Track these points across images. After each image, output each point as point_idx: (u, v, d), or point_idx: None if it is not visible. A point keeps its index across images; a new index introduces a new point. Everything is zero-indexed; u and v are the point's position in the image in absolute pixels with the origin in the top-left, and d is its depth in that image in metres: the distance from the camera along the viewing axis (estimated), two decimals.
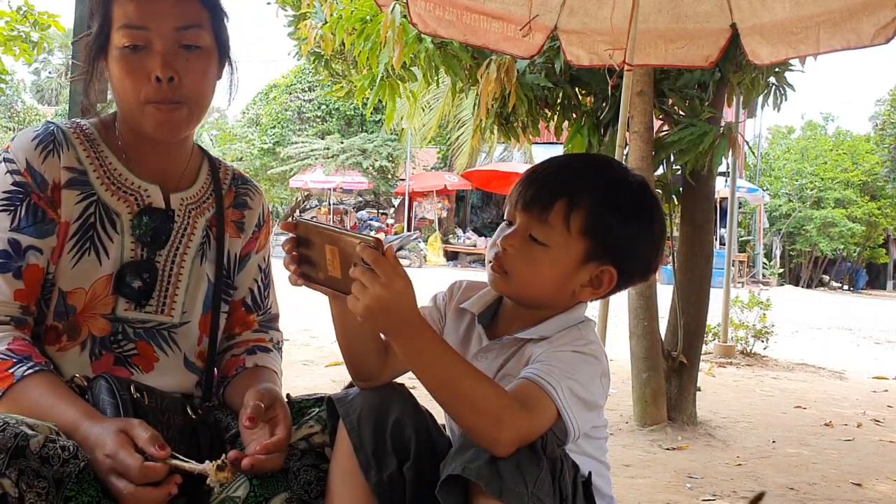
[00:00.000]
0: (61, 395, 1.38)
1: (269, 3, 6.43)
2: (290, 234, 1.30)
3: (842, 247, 25.39)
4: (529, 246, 1.39)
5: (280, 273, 1.49)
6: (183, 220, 1.62)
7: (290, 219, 1.30)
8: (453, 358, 1.26)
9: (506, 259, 1.40)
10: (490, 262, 1.42)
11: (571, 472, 1.29)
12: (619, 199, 1.40)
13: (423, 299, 1.40)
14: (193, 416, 1.51)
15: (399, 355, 1.27)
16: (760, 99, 4.89)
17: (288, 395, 1.56)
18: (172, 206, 1.61)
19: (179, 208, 1.62)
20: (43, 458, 1.20)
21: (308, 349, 6.50)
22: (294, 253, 1.30)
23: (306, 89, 27.84)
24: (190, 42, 1.50)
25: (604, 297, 1.45)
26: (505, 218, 1.45)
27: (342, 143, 25.99)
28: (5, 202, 1.48)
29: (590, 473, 1.36)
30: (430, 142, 22.71)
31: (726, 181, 9.84)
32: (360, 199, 27.40)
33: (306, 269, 1.30)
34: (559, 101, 4.76)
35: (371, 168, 25.45)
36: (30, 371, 1.40)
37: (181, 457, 1.28)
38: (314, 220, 1.32)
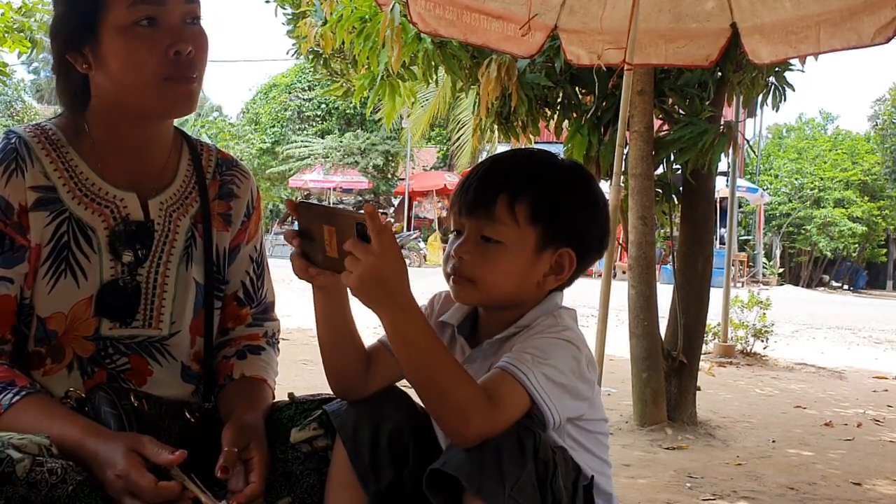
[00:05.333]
0: (56, 414, 1.34)
1: (267, 2, 6.42)
2: (291, 217, 1.33)
3: (842, 246, 25.38)
4: (484, 248, 1.38)
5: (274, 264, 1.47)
6: (164, 228, 1.53)
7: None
8: (436, 344, 1.26)
9: (465, 267, 1.39)
10: (450, 275, 1.41)
11: (571, 476, 1.28)
12: (555, 180, 1.42)
13: (422, 299, 1.39)
14: (192, 420, 1.48)
15: (385, 331, 1.27)
16: (760, 98, 4.89)
17: (291, 395, 1.54)
18: (151, 215, 1.52)
19: (159, 215, 1.53)
20: (30, 484, 1.16)
21: (308, 348, 6.49)
22: (296, 236, 1.30)
23: (306, 88, 27.85)
24: (194, 14, 1.46)
25: (569, 281, 1.45)
26: (452, 229, 1.44)
27: (341, 141, 26.01)
28: None
29: (592, 477, 1.35)
30: (429, 141, 22.72)
31: (726, 181, 9.84)
32: (360, 198, 27.43)
33: (308, 252, 1.30)
34: (559, 100, 4.75)
35: (370, 167, 25.45)
36: (17, 398, 1.35)
37: (197, 481, 1.26)
38: (316, 201, 1.31)
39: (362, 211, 1.22)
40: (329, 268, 1.27)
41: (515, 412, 1.25)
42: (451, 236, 1.44)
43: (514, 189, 1.38)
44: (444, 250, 1.48)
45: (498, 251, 1.38)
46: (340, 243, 1.22)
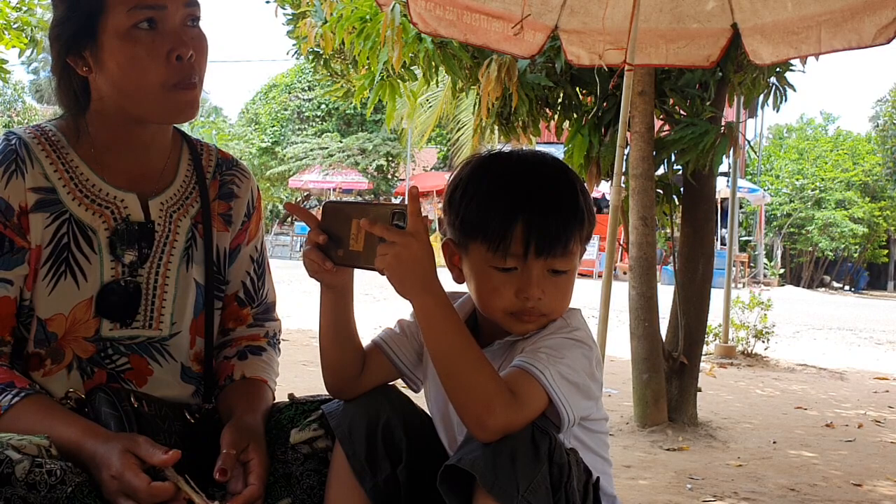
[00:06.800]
0: (56, 415, 1.34)
1: (267, 2, 6.42)
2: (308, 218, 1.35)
3: (843, 247, 25.37)
4: (554, 280, 1.37)
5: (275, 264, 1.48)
6: (164, 228, 1.52)
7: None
8: (463, 332, 1.27)
9: (542, 306, 1.37)
10: (520, 313, 1.36)
11: (583, 478, 1.28)
12: (585, 192, 1.43)
13: None
14: (192, 421, 1.48)
15: (416, 316, 1.29)
16: (761, 98, 4.88)
17: (291, 396, 1.55)
18: (152, 216, 1.51)
19: (160, 215, 1.52)
20: (29, 485, 1.16)
21: (308, 349, 6.49)
22: (319, 237, 1.32)
23: (306, 88, 27.85)
24: (194, 16, 1.45)
25: None
26: (501, 266, 1.35)
27: (341, 142, 26.02)
28: None
29: (598, 478, 1.35)
30: (430, 141, 22.70)
31: (727, 181, 9.84)
32: (360, 199, 27.44)
33: (325, 250, 1.32)
34: (560, 100, 4.75)
35: (370, 168, 25.45)
36: (16, 399, 1.35)
37: (191, 482, 1.26)
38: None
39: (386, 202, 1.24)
40: (350, 262, 1.31)
41: (535, 409, 1.27)
42: (497, 272, 1.36)
43: (583, 218, 1.39)
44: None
45: (566, 280, 1.39)
46: (369, 236, 1.26)
